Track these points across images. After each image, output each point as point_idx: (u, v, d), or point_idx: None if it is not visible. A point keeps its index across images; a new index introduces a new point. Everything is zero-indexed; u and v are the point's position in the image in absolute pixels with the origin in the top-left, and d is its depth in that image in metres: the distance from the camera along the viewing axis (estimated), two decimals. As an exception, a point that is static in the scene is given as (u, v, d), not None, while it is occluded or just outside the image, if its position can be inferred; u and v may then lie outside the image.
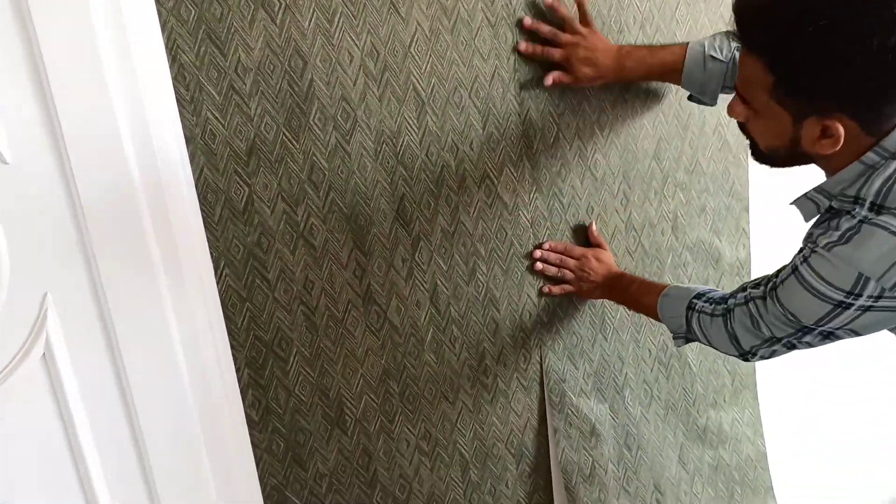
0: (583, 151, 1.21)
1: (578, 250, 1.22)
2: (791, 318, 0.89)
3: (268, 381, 1.04)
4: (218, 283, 0.97)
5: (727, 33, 1.11)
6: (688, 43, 1.11)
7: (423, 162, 1.08)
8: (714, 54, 1.09)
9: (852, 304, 0.83)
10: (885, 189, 0.81)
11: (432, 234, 1.11)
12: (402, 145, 1.05)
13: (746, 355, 0.99)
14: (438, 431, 1.19)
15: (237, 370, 1.01)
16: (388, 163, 1.05)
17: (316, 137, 0.99)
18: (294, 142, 0.98)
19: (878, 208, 0.81)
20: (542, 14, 1.11)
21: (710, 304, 1.01)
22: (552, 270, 1.21)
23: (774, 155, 0.89)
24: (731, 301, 0.98)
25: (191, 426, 0.95)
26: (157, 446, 0.93)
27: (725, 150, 1.36)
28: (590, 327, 1.29)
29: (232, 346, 1.00)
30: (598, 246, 1.24)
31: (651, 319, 1.30)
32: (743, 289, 0.98)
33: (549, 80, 1.11)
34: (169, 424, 0.94)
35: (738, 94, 0.88)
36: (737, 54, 1.08)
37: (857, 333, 0.88)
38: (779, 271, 0.93)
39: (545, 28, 1.10)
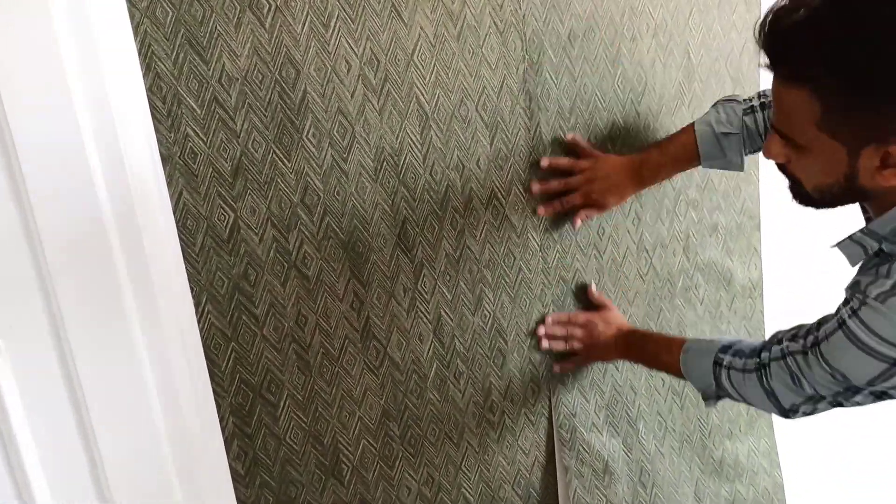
0: (594, 168, 1.12)
1: (583, 317, 1.12)
2: (839, 377, 0.79)
3: (255, 429, 0.92)
4: (199, 321, 0.85)
5: (726, 101, 1.05)
6: (692, 124, 1.05)
7: (426, 182, 0.97)
8: (725, 130, 1.02)
9: None
10: None
11: (436, 261, 1.01)
12: (404, 163, 0.95)
13: (787, 413, 0.89)
14: (442, 476, 1.08)
15: (221, 419, 0.89)
16: (388, 183, 0.95)
17: (310, 155, 0.88)
18: (285, 160, 0.87)
19: None
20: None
21: (741, 359, 0.92)
22: (560, 346, 1.12)
23: (825, 195, 0.78)
24: (764, 355, 0.89)
25: (168, 487, 0.82)
26: (130, 512, 0.80)
27: (737, 165, 1.28)
28: (600, 356, 1.20)
29: (215, 393, 0.88)
30: (602, 307, 1.15)
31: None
32: (778, 341, 0.89)
33: (577, 222, 1.09)
34: (143, 485, 0.81)
35: (776, 132, 0.77)
36: (746, 120, 1.02)
37: None
38: (820, 323, 0.83)
39: (564, 161, 1.07)
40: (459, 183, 1.00)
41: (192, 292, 0.84)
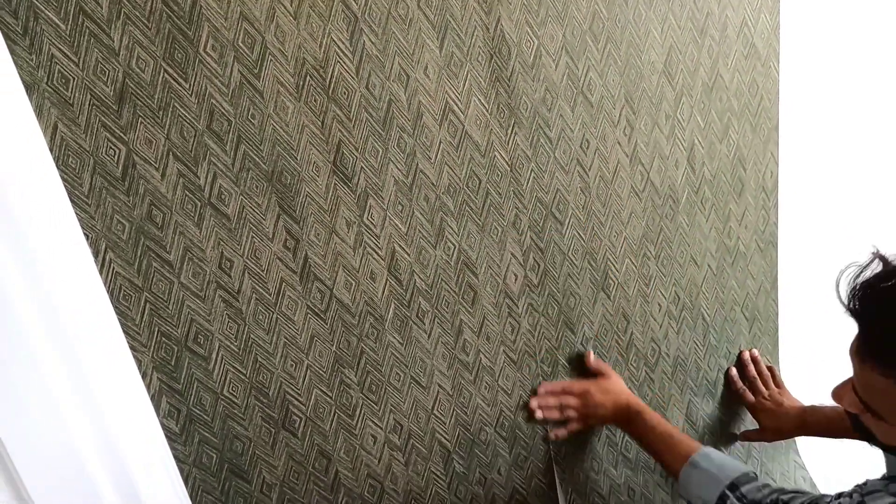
0: (572, 70, 0.96)
1: (578, 386, 1.06)
2: None
3: (186, 384, 0.83)
4: (101, 272, 0.75)
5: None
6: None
7: (362, 97, 0.83)
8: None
9: None
10: None
11: (384, 189, 0.88)
12: (332, 77, 0.81)
13: None
14: (411, 422, 0.99)
15: (143, 376, 0.81)
16: (315, 101, 0.81)
17: (212, 73, 0.75)
18: (181, 80, 0.74)
19: None
20: None
21: None
22: (555, 415, 1.06)
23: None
24: None
25: (86, 457, 0.75)
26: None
27: (752, 57, 1.09)
28: (590, 285, 1.07)
29: (133, 349, 0.79)
30: (600, 374, 1.07)
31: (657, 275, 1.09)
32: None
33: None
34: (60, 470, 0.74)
35: (854, 391, 0.71)
36: None
37: None
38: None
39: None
40: (404, 96, 0.86)
41: (87, 240, 0.74)
